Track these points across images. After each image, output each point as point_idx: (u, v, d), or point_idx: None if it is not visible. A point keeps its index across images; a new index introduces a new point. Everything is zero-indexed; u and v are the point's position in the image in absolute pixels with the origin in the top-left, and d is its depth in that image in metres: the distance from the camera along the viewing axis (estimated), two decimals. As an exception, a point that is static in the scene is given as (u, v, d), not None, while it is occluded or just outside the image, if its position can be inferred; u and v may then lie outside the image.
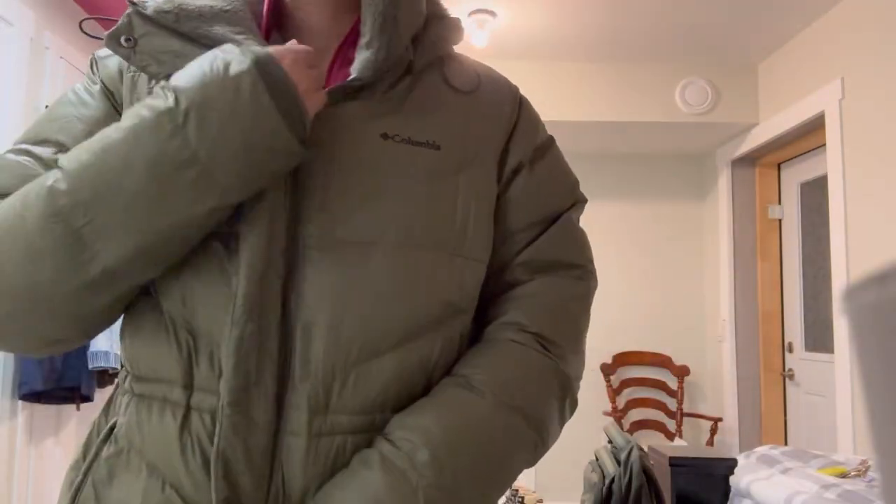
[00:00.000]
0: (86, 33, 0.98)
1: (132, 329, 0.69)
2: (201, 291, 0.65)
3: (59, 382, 2.68)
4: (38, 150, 0.70)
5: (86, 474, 0.68)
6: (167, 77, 0.65)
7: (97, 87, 0.74)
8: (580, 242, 0.81)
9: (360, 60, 0.70)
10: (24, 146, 0.71)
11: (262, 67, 0.60)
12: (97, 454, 0.68)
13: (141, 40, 0.68)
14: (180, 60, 0.67)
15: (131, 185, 0.58)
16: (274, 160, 0.61)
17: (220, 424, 0.62)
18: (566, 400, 0.74)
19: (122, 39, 0.68)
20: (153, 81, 0.69)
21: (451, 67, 0.80)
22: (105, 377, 2.97)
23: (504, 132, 0.79)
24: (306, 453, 0.63)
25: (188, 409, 0.65)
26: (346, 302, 0.64)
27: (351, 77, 0.69)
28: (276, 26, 0.79)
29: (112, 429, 0.69)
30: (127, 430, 0.67)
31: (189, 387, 0.65)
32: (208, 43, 0.68)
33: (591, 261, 0.82)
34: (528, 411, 0.69)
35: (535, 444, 0.70)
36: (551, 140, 0.84)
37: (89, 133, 0.68)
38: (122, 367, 0.72)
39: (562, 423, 0.73)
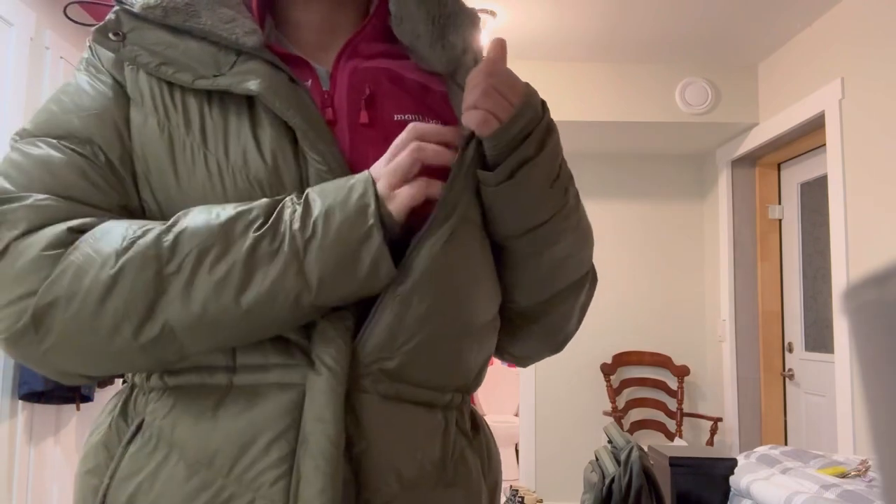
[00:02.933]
0: (70, 19, 0.99)
1: None
2: None
3: (58, 382, 2.68)
4: (71, 144, 0.67)
5: (112, 477, 0.65)
6: (160, 66, 0.67)
7: (107, 80, 0.71)
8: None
9: (445, 57, 0.78)
10: (52, 141, 0.67)
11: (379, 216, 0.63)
12: (122, 456, 0.66)
13: (130, 35, 0.69)
14: (171, 50, 0.68)
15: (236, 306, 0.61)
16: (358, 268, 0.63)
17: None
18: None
19: (111, 34, 0.68)
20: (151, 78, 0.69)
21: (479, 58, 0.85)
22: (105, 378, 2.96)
23: None
24: None
25: (228, 388, 0.65)
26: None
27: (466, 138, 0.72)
28: (268, 8, 0.78)
29: (139, 427, 0.67)
30: (158, 423, 0.66)
31: (232, 369, 0.65)
32: (198, 34, 0.69)
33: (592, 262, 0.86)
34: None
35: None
36: None
37: (116, 127, 0.69)
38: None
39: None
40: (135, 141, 0.68)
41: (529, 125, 0.69)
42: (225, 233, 0.61)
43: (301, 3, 0.76)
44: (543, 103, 0.72)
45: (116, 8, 0.70)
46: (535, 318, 0.81)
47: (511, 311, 0.80)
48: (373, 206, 0.62)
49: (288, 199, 0.63)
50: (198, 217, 0.62)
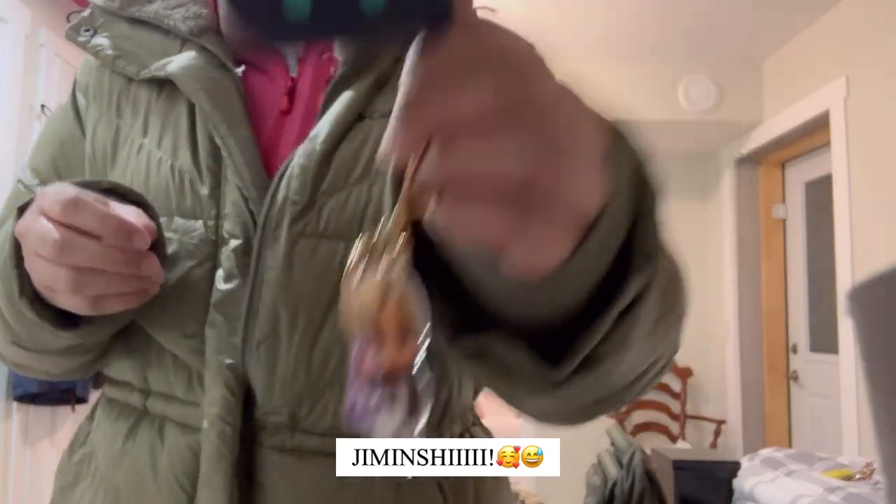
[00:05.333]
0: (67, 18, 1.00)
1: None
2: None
3: (53, 384, 2.68)
4: (27, 180, 0.72)
5: (56, 480, 0.67)
6: (115, 59, 0.67)
7: (70, 98, 0.73)
8: None
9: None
10: (21, 179, 0.72)
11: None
12: (70, 458, 0.67)
13: (99, 30, 0.69)
14: (127, 42, 0.68)
15: None
16: (35, 327, 0.57)
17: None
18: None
19: (83, 30, 0.69)
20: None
21: None
22: (101, 378, 2.96)
23: None
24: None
25: (143, 413, 0.62)
26: None
27: (341, 65, 0.64)
28: None
29: (88, 434, 0.68)
30: (93, 434, 0.66)
31: (146, 391, 0.63)
32: (149, 22, 0.68)
33: None
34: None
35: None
36: None
37: (53, 157, 0.72)
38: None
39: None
40: (88, 142, 0.69)
41: (623, 219, 0.34)
42: None
43: None
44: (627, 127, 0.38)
45: (91, 3, 0.70)
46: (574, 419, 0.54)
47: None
48: (9, 263, 0.54)
49: None
50: None
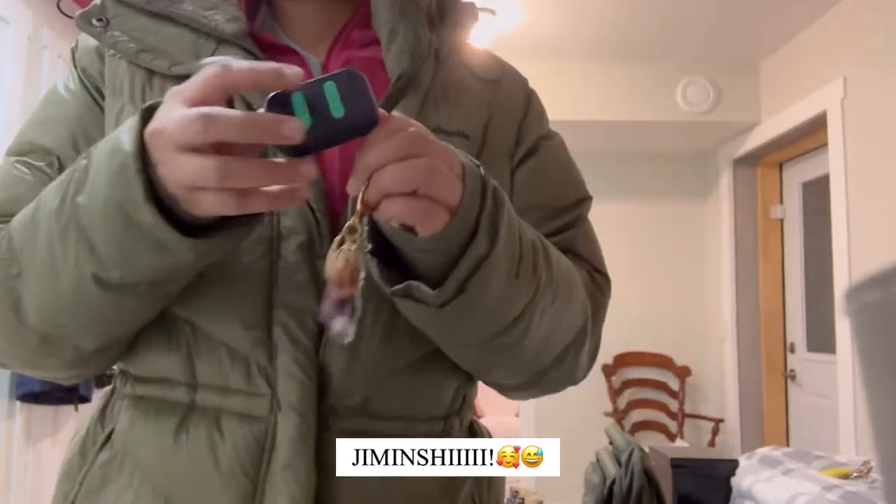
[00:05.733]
0: (64, 14, 0.99)
1: None
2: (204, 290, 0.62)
3: (56, 383, 2.67)
4: (32, 159, 0.68)
5: (81, 484, 0.65)
6: (139, 52, 0.66)
7: (76, 80, 0.72)
8: (599, 248, 0.83)
9: (395, 53, 0.69)
10: (19, 158, 0.69)
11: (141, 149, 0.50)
12: (93, 463, 0.66)
13: (113, 21, 0.68)
14: (151, 37, 0.68)
15: (39, 241, 0.56)
16: (144, 241, 0.52)
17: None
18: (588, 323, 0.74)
19: (94, 20, 0.68)
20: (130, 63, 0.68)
21: (473, 54, 0.79)
22: (103, 377, 2.96)
23: (517, 124, 0.78)
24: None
25: (190, 407, 0.63)
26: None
27: (395, 79, 0.68)
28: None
29: (109, 435, 0.67)
30: (123, 434, 0.65)
31: (192, 386, 0.63)
32: (179, 20, 0.68)
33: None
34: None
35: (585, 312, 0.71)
36: (555, 134, 0.83)
37: (72, 134, 0.69)
38: (119, 370, 0.70)
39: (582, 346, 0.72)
40: (108, 132, 0.67)
41: (474, 209, 0.54)
42: (35, 223, 0.57)
43: (293, 9, 0.74)
44: (476, 164, 0.56)
45: None
46: (531, 386, 0.72)
47: (500, 388, 0.73)
48: (132, 167, 0.49)
49: (83, 160, 0.55)
50: (27, 209, 0.60)
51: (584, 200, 0.82)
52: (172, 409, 0.63)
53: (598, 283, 0.79)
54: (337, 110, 0.49)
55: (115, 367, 0.70)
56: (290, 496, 0.58)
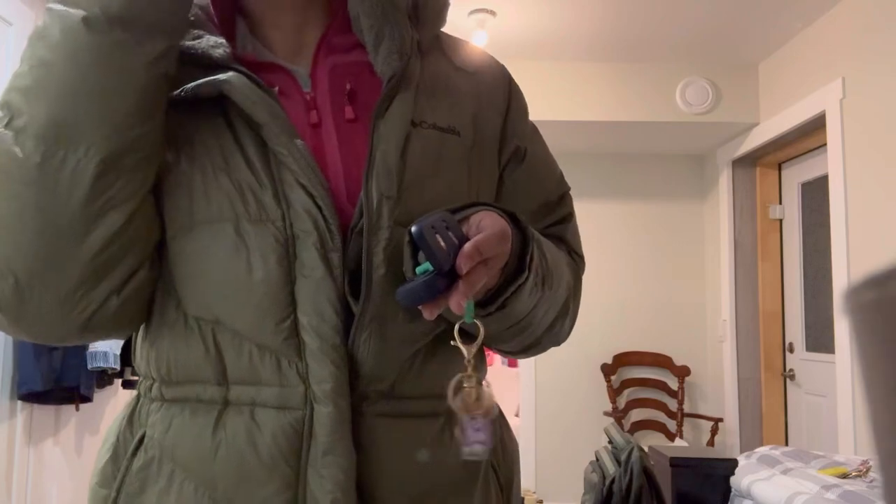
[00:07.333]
0: None
1: (154, 333, 0.68)
2: (222, 280, 0.64)
3: (58, 383, 2.68)
4: None
5: (119, 490, 0.67)
6: None
7: None
8: (580, 237, 0.90)
9: (384, 55, 0.71)
10: None
11: None
12: (128, 468, 0.68)
13: None
14: None
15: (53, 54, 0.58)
16: None
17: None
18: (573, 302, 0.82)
19: None
20: None
21: (451, 45, 0.81)
22: (104, 378, 2.96)
23: (501, 116, 0.80)
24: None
25: (225, 404, 0.65)
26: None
27: (387, 80, 0.70)
28: (240, 13, 0.76)
29: (141, 440, 0.68)
30: (159, 437, 0.67)
31: (224, 384, 0.65)
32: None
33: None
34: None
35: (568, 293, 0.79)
36: (534, 127, 0.86)
37: None
38: (143, 376, 0.72)
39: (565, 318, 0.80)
40: None
41: (516, 254, 0.66)
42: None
43: (267, 4, 0.75)
44: (512, 215, 0.67)
45: None
46: (525, 351, 0.81)
47: (497, 351, 0.81)
48: None
49: None
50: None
51: (566, 193, 0.87)
52: (207, 408, 0.66)
53: (575, 262, 0.86)
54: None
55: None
56: (333, 480, 0.62)
